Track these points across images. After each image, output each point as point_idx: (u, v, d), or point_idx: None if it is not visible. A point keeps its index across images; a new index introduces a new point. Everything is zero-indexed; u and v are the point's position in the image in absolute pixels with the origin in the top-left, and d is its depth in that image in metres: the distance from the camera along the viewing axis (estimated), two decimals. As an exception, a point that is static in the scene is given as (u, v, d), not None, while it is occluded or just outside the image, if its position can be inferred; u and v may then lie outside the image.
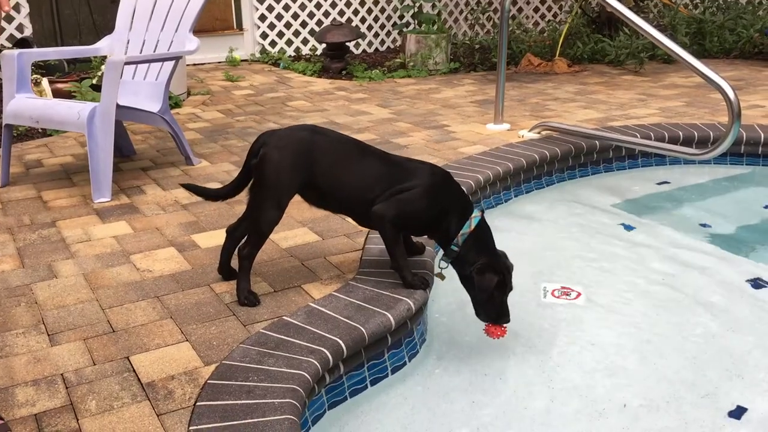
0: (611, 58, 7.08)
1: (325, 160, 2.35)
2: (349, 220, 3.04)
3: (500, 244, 3.18)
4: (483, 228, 2.35)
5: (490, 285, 2.24)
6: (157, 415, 1.80)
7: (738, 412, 2.07)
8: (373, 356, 2.20)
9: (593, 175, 4.11)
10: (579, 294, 2.74)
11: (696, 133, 4.26)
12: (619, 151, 4.17)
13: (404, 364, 2.28)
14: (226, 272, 2.53)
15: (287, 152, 2.32)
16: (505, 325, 2.30)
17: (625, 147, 4.11)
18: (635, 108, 5.20)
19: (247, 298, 2.35)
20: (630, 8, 3.61)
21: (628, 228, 3.37)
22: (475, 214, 2.35)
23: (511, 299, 2.70)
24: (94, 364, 2.02)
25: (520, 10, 9.08)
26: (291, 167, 2.32)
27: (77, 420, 1.78)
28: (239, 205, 3.28)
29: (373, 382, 2.19)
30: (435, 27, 7.19)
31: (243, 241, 2.41)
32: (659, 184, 3.98)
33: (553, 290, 2.77)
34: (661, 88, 5.97)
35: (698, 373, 2.25)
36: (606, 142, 4.07)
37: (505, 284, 2.28)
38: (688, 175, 4.11)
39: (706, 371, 2.26)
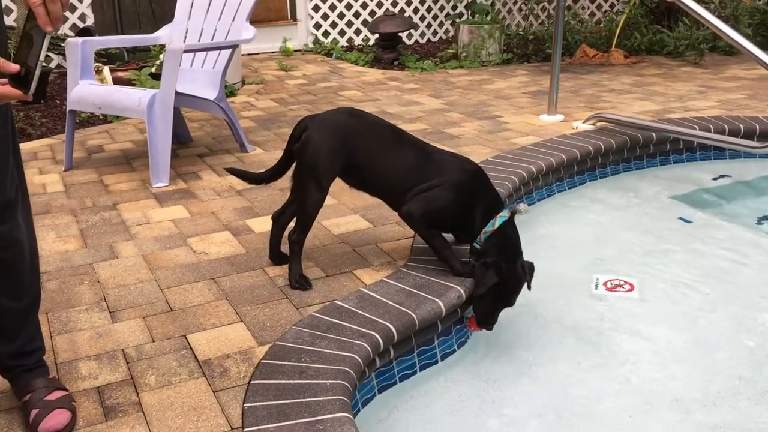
0: (670, 50, 6.92)
1: (362, 143, 2.38)
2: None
3: (553, 235, 3.17)
4: (507, 230, 2.31)
5: (486, 282, 2.19)
6: (213, 392, 1.85)
7: (797, 410, 2.02)
8: (423, 342, 2.22)
9: (649, 168, 4.03)
10: (632, 286, 2.70)
11: (758, 126, 4.14)
12: (676, 143, 4.08)
13: (453, 351, 2.29)
14: (276, 258, 2.58)
15: (326, 135, 2.37)
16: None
17: (683, 139, 4.02)
18: (694, 100, 5.08)
19: (299, 282, 2.39)
20: (691, -3, 3.52)
21: (686, 221, 3.31)
22: (502, 214, 2.32)
23: (563, 290, 2.69)
24: (153, 341, 2.09)
25: (575, 0, 8.93)
26: (330, 150, 2.36)
27: (137, 393, 1.85)
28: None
29: (423, 368, 2.20)
30: (488, 17, 7.14)
31: (293, 226, 2.46)
32: (718, 177, 3.88)
33: (606, 282, 2.73)
34: (722, 81, 5.81)
35: (756, 369, 2.20)
36: (663, 134, 3.99)
37: (504, 292, 2.22)
38: (748, 169, 3.99)
39: (764, 368, 2.21)
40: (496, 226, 2.30)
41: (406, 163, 2.38)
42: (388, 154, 2.40)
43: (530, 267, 2.31)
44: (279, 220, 2.55)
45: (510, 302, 2.27)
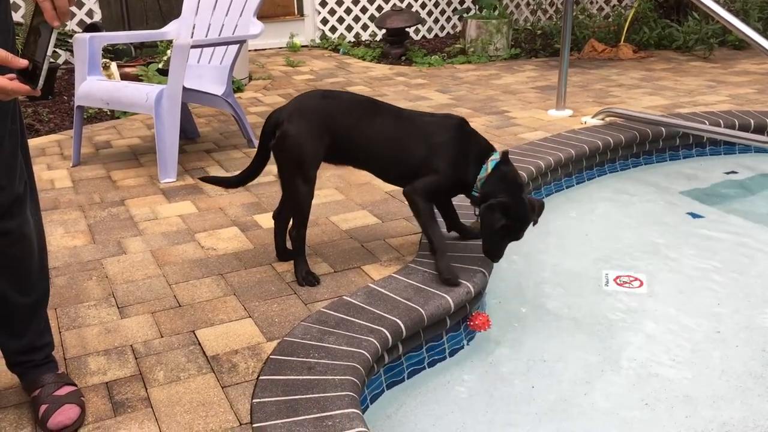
0: (679, 44, 6.87)
1: (342, 122, 2.33)
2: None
3: (563, 231, 3.16)
4: (502, 169, 2.29)
5: (492, 224, 2.20)
6: (222, 387, 1.84)
7: (809, 407, 2.00)
8: (432, 338, 2.21)
9: (659, 163, 4.01)
10: (642, 282, 2.69)
11: (768, 121, 4.11)
12: (686, 138, 4.05)
13: (462, 347, 2.28)
14: (283, 255, 2.57)
15: (304, 124, 2.30)
16: (486, 315, 2.30)
17: (692, 134, 4.00)
18: (704, 95, 5.04)
19: (306, 279, 2.38)
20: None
21: (696, 216, 3.29)
22: (493, 157, 2.30)
23: (572, 286, 2.68)
24: (162, 337, 2.09)
25: (583, -6, 8.88)
26: (310, 138, 2.30)
27: (146, 389, 1.85)
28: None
29: (431, 364, 2.20)
30: (496, 12, 7.10)
31: (291, 223, 2.45)
32: (728, 172, 3.85)
33: (616, 278, 2.72)
34: (732, 75, 5.77)
35: (766, 365, 2.19)
36: (672, 129, 3.96)
37: (512, 227, 2.24)
38: (758, 164, 3.97)
39: (776, 364, 2.19)
40: (489, 169, 2.29)
41: (391, 134, 2.35)
42: (370, 129, 2.35)
43: (540, 205, 2.32)
44: (279, 217, 2.53)
45: (518, 237, 2.28)
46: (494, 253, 2.30)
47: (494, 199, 2.22)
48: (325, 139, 2.32)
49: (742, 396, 2.05)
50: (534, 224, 2.32)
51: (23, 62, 1.34)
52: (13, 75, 1.36)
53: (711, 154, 4.11)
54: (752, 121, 4.10)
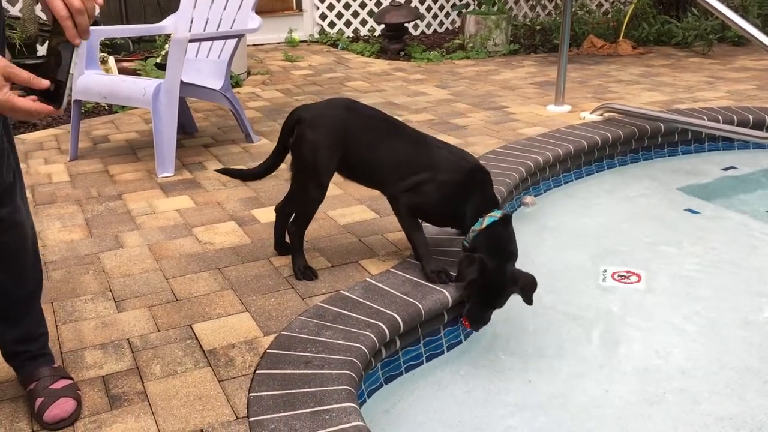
0: (678, 40, 6.87)
1: (360, 138, 2.31)
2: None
3: (561, 226, 3.16)
4: (497, 230, 2.21)
5: (465, 275, 2.12)
6: (219, 381, 1.84)
7: (806, 402, 2.00)
8: (430, 333, 2.21)
9: (657, 159, 4.00)
10: (640, 278, 2.68)
11: (767, 117, 4.11)
12: (684, 134, 4.05)
13: (460, 342, 2.28)
14: (281, 248, 2.57)
15: (324, 133, 2.29)
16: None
17: (691, 130, 3.99)
18: (703, 91, 5.04)
19: (304, 273, 2.38)
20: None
21: (694, 212, 3.28)
22: (492, 214, 2.22)
23: (570, 281, 2.68)
24: (159, 331, 2.09)
25: (583, -10, 8.86)
26: (328, 148, 2.29)
27: (142, 383, 1.84)
28: (298, 181, 3.32)
29: (429, 359, 2.19)
30: (495, 8, 7.09)
31: (292, 219, 2.45)
32: (726, 168, 3.85)
33: (614, 273, 2.72)
34: (731, 71, 5.77)
35: (764, 360, 2.19)
36: (671, 124, 3.96)
37: (489, 295, 2.15)
38: (757, 160, 3.96)
39: (773, 359, 2.19)
40: (484, 225, 2.21)
41: (404, 158, 2.31)
42: (386, 150, 2.32)
43: (530, 282, 2.19)
44: (282, 212, 2.53)
45: (497, 305, 2.19)
46: (475, 318, 2.20)
47: (479, 254, 2.15)
48: (340, 152, 2.30)
49: (740, 391, 2.05)
50: (527, 302, 2.20)
51: (45, 83, 1.34)
52: (34, 97, 1.35)
53: (709, 150, 4.11)
54: (751, 117, 4.10)
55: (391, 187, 2.33)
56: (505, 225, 2.24)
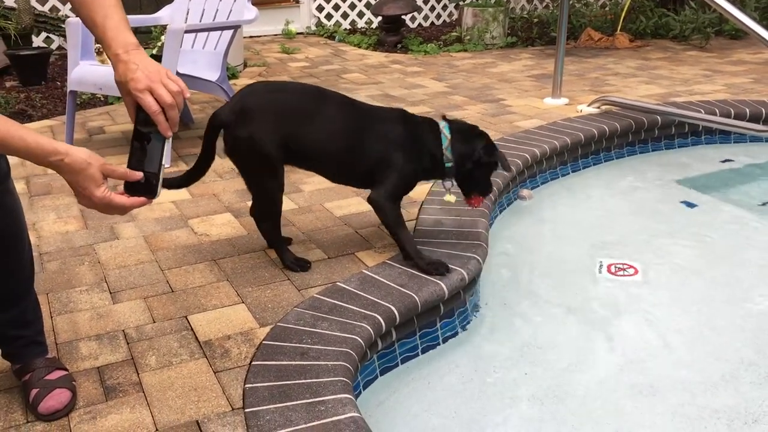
0: (675, 33, 6.86)
1: (292, 117, 2.23)
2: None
3: (558, 219, 3.16)
4: (458, 127, 2.33)
5: (503, 159, 2.34)
6: (214, 372, 1.84)
7: (801, 394, 2.01)
8: (426, 325, 2.21)
9: (654, 152, 4.00)
10: (636, 270, 2.69)
11: (764, 110, 4.11)
12: (681, 127, 4.05)
13: (456, 333, 2.28)
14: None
15: (254, 125, 2.19)
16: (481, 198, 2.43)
17: (688, 123, 3.99)
18: (700, 84, 5.03)
19: (298, 264, 2.36)
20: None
21: (690, 205, 3.28)
22: (442, 125, 2.32)
23: (566, 274, 2.68)
24: (154, 322, 2.08)
25: (580, -17, 8.84)
26: (266, 134, 2.19)
27: (138, 374, 1.84)
28: (294, 173, 3.31)
29: (425, 350, 2.19)
30: (493, 0, 7.07)
31: (259, 217, 2.43)
32: (723, 161, 3.85)
33: (610, 266, 2.72)
34: (728, 65, 5.76)
35: (759, 352, 2.19)
36: (668, 117, 3.96)
37: (487, 168, 2.35)
38: (753, 153, 3.97)
39: (767, 350, 2.20)
40: (449, 136, 2.29)
41: (346, 127, 2.27)
42: (322, 118, 2.25)
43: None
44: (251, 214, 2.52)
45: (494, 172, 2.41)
46: (490, 186, 2.40)
47: (479, 149, 2.29)
48: (279, 135, 2.21)
49: (735, 383, 2.06)
50: (506, 170, 2.42)
51: (139, 175, 1.39)
52: (121, 191, 1.41)
53: (706, 143, 4.11)
54: (748, 110, 4.10)
55: (336, 162, 2.29)
56: (453, 121, 2.36)
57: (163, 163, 1.40)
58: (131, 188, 1.40)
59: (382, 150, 2.27)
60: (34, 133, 1.32)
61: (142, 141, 1.40)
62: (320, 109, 2.27)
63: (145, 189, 1.40)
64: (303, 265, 2.36)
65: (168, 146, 1.40)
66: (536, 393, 2.02)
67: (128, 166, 1.40)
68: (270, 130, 2.20)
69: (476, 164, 2.31)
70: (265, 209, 2.38)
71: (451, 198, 2.45)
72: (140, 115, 1.38)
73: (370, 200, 2.32)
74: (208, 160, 2.32)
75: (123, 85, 1.39)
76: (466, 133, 2.33)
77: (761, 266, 2.72)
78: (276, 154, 2.23)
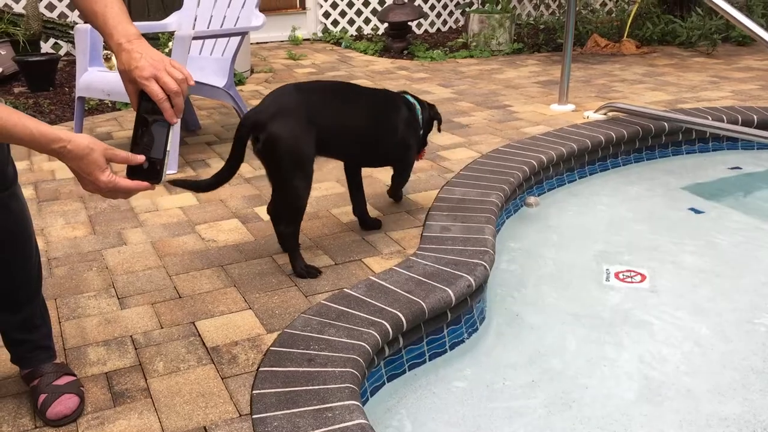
0: (682, 40, 6.85)
1: (325, 112, 2.36)
2: (410, 197, 3.04)
3: (564, 225, 3.15)
4: (417, 100, 2.83)
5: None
6: (222, 378, 1.84)
7: (810, 403, 2.00)
8: (433, 331, 2.21)
9: (661, 158, 3.99)
10: (644, 277, 2.68)
11: (771, 117, 4.09)
12: (688, 134, 4.04)
13: (463, 340, 2.28)
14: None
15: (291, 124, 2.25)
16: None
17: (695, 130, 3.98)
18: (707, 90, 5.03)
19: (308, 272, 2.37)
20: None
21: (697, 212, 3.28)
22: (412, 100, 2.79)
23: (573, 280, 2.67)
24: (162, 328, 2.09)
25: (587, -10, 8.84)
26: (302, 134, 2.27)
27: (145, 380, 1.84)
28: (301, 179, 3.31)
29: (432, 357, 2.19)
30: (499, 7, 7.08)
31: (280, 220, 2.45)
32: (731, 168, 3.84)
33: (617, 273, 2.71)
34: (735, 71, 5.75)
35: (767, 360, 2.18)
36: (675, 124, 3.95)
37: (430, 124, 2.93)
38: (761, 160, 3.95)
39: (777, 360, 2.19)
40: (419, 107, 2.79)
41: (365, 112, 2.54)
42: (349, 108, 2.47)
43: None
44: (276, 212, 2.53)
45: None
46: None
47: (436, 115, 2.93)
48: (313, 135, 2.30)
49: (743, 391, 2.05)
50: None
51: (141, 158, 1.40)
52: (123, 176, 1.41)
53: (714, 150, 4.10)
54: (755, 117, 4.09)
55: (369, 144, 2.59)
56: (409, 94, 2.84)
57: (168, 149, 1.41)
58: (135, 173, 1.41)
59: (400, 130, 2.66)
60: (37, 121, 1.33)
61: (147, 128, 1.41)
62: (346, 100, 2.49)
63: (149, 174, 1.41)
64: (313, 274, 2.37)
65: (173, 133, 1.41)
66: (544, 400, 2.02)
67: (132, 152, 1.41)
68: (307, 129, 2.29)
69: (428, 127, 2.87)
70: (291, 212, 2.38)
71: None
72: (144, 103, 1.40)
73: (396, 162, 2.78)
74: (238, 161, 2.34)
75: (126, 73, 1.40)
76: (423, 103, 2.85)
77: (769, 273, 2.72)
78: (311, 151, 2.31)
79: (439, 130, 3.08)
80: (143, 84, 1.38)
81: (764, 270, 2.75)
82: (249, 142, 2.32)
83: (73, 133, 1.36)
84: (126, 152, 1.39)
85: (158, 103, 1.38)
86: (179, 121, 1.44)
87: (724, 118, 4.06)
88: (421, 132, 2.81)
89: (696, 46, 6.76)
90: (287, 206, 2.39)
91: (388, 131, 2.62)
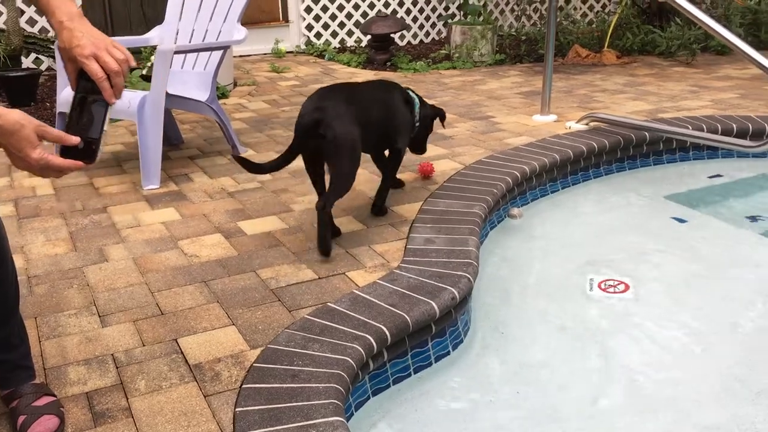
0: (662, 50, 6.92)
1: (364, 113, 2.72)
2: (394, 209, 3.04)
3: (547, 236, 3.16)
4: (416, 95, 3.19)
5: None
6: (204, 396, 1.82)
7: (793, 410, 2.01)
8: (417, 344, 2.20)
9: (643, 168, 4.02)
10: (627, 287, 2.69)
11: (750, 126, 4.14)
12: (669, 143, 4.07)
13: (448, 353, 2.27)
14: (329, 243, 2.65)
15: (348, 123, 2.62)
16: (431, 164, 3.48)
17: (676, 139, 4.02)
18: (687, 100, 5.08)
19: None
20: (683, -3, 3.52)
21: (680, 221, 3.30)
22: (412, 94, 3.13)
23: (557, 291, 2.68)
24: (144, 345, 2.06)
25: (567, 1, 8.93)
26: (358, 132, 2.66)
27: (127, 399, 1.82)
28: (285, 193, 3.31)
29: (417, 370, 2.18)
30: (481, 18, 7.13)
31: (325, 198, 2.64)
32: (712, 177, 3.87)
33: (600, 283, 2.72)
34: (714, 80, 5.82)
35: (752, 368, 2.19)
36: (656, 133, 3.98)
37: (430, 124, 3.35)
38: (741, 168, 4.00)
39: (760, 367, 2.20)
40: (418, 102, 3.14)
41: (385, 105, 2.93)
42: (374, 105, 2.85)
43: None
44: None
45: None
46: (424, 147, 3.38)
47: (437, 111, 3.32)
48: (359, 126, 2.69)
49: (727, 399, 2.05)
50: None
51: (76, 139, 1.38)
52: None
53: (694, 159, 4.13)
54: (735, 126, 4.13)
55: (392, 135, 2.98)
56: (419, 96, 3.19)
57: (105, 129, 1.39)
58: (68, 152, 1.39)
59: (400, 113, 3.02)
60: None
61: (85, 107, 1.39)
62: (371, 97, 2.87)
63: (83, 154, 1.39)
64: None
65: (110, 113, 1.40)
66: (529, 412, 2.01)
67: (67, 132, 1.39)
68: (355, 124, 2.66)
69: (426, 124, 3.24)
70: (343, 191, 2.70)
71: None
72: (84, 82, 1.39)
73: (396, 150, 3.03)
74: (294, 156, 2.65)
75: (66, 51, 1.39)
76: (423, 101, 3.19)
77: (752, 281, 2.74)
78: (359, 143, 2.69)
79: (443, 126, 3.45)
80: (83, 62, 1.36)
81: (746, 277, 2.77)
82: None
83: (3, 108, 1.33)
84: (59, 131, 1.36)
85: (98, 82, 1.36)
86: (117, 102, 1.42)
87: (704, 127, 4.10)
88: (417, 125, 3.13)
89: (676, 55, 6.83)
90: (342, 188, 2.68)
91: (390, 113, 2.94)
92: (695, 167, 4.03)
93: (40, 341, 2.09)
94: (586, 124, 4.23)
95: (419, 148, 3.32)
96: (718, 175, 3.89)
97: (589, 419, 1.99)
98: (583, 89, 5.56)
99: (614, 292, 2.65)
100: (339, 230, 2.85)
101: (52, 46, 5.88)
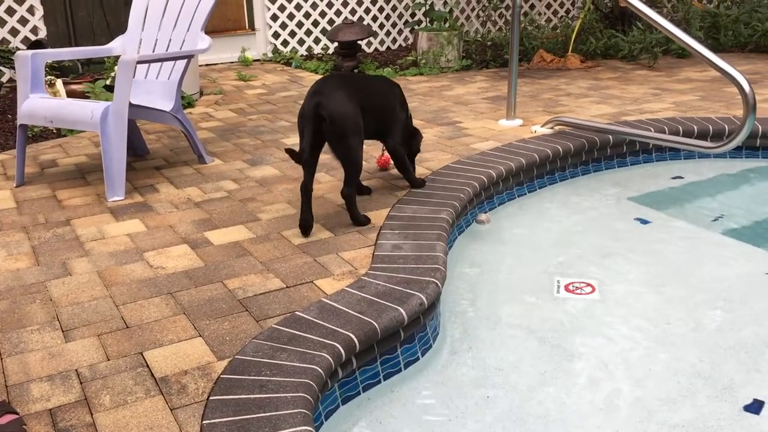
0: (624, 53, 7.03)
1: (362, 91, 2.95)
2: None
3: (515, 239, 3.19)
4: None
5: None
6: (171, 410, 1.80)
7: (756, 407, 2.04)
8: (386, 351, 2.20)
9: (607, 170, 4.08)
10: (593, 288, 2.72)
11: (711, 127, 4.22)
12: (633, 145, 4.14)
13: (417, 359, 2.27)
14: (309, 223, 2.88)
15: (349, 102, 2.81)
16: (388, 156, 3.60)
17: (638, 141, 4.08)
18: (649, 102, 5.16)
19: (365, 218, 2.95)
20: (644, 2, 3.58)
21: (644, 222, 3.35)
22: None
23: (525, 294, 2.70)
24: (108, 360, 2.03)
25: (532, 6, 9.04)
26: (357, 110, 2.85)
27: (91, 414, 1.79)
28: (252, 202, 3.29)
29: (386, 377, 2.18)
30: (447, 24, 7.17)
31: (345, 184, 2.89)
32: (674, 178, 3.94)
33: (567, 285, 2.75)
34: (676, 83, 5.92)
35: (715, 366, 2.23)
36: (620, 136, 4.04)
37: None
38: (702, 169, 4.07)
39: (723, 365, 2.24)
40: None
41: (384, 94, 3.15)
42: (374, 91, 3.08)
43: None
44: (308, 189, 2.84)
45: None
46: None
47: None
48: (359, 108, 2.87)
49: (693, 397, 2.09)
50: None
51: None
52: None
53: (657, 161, 4.20)
54: (696, 128, 4.21)
55: (389, 121, 3.18)
56: None
57: None
58: None
59: (398, 102, 3.23)
60: None
61: None
62: (369, 86, 3.09)
63: None
64: (367, 219, 2.96)
65: None
66: (499, 416, 2.02)
67: None
68: (357, 106, 2.85)
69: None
70: (356, 171, 2.91)
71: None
72: None
73: (393, 147, 3.22)
74: (309, 144, 2.81)
75: None
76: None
77: (714, 280, 2.78)
78: (361, 122, 2.87)
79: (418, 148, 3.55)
80: None
81: (708, 277, 2.82)
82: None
83: None
84: None
85: None
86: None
87: (666, 129, 4.17)
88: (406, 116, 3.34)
89: (638, 59, 6.95)
90: (352, 167, 2.87)
91: (389, 102, 3.17)
92: (658, 169, 4.10)
93: (1, 358, 2.04)
94: (552, 128, 4.28)
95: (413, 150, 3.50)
96: (680, 177, 3.96)
97: (558, 421, 2.01)
98: (548, 93, 5.62)
99: (581, 294, 2.68)
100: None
101: (12, 58, 5.78)
